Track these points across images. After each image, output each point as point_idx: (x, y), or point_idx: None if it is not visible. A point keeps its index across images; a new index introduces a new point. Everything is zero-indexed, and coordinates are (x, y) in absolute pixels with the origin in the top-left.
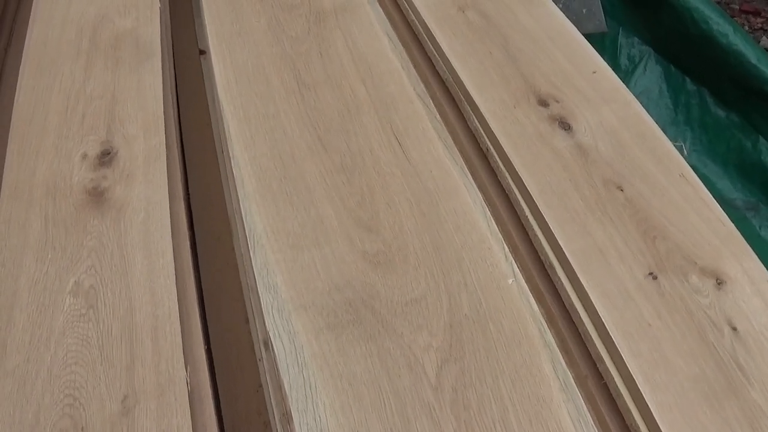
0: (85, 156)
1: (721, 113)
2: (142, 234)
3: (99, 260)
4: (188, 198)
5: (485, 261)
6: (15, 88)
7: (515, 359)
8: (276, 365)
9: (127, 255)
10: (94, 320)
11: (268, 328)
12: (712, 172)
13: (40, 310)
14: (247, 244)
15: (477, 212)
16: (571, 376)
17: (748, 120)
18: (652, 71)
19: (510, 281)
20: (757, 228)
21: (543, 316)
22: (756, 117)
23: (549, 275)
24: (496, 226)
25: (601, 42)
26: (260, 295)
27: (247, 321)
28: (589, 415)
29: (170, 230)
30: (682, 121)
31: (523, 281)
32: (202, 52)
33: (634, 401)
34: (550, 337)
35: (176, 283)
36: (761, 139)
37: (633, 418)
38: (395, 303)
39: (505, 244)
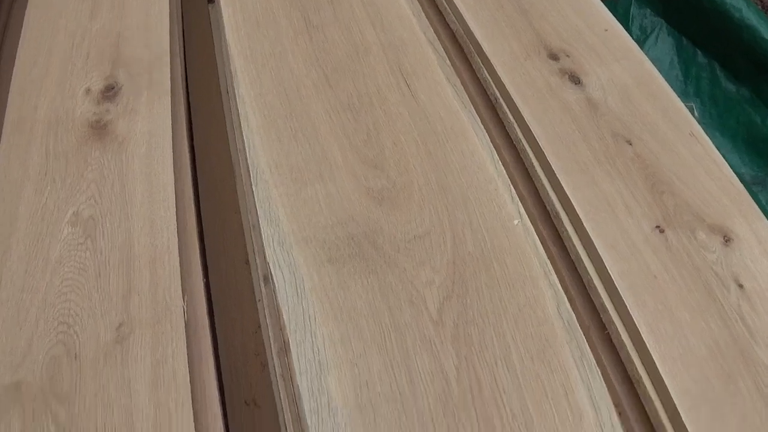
0: (88, 91)
1: (731, 87)
2: (143, 167)
3: (99, 191)
4: (191, 135)
5: (491, 201)
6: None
7: (518, 298)
8: (275, 297)
9: (127, 186)
10: (92, 250)
11: (268, 260)
12: (721, 145)
13: (38, 240)
14: (250, 179)
15: (485, 154)
16: (574, 317)
17: (759, 95)
18: (663, 42)
19: (516, 222)
20: (764, 203)
21: (548, 258)
22: (766, 92)
23: (555, 225)
24: (503, 168)
25: (613, 11)
26: (261, 227)
27: (246, 262)
28: (591, 355)
29: (172, 164)
30: (691, 93)
31: (529, 223)
32: (211, 1)
33: (637, 352)
34: (554, 278)
35: (176, 216)
36: None
37: (635, 369)
38: (398, 239)
39: (511, 186)
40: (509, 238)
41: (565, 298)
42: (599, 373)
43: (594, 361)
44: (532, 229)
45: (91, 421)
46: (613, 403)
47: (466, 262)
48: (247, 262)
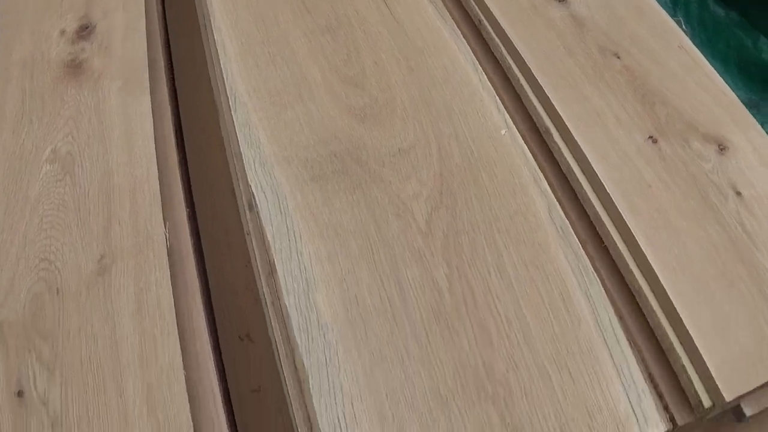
0: (63, 32)
1: (720, 12)
2: (120, 100)
3: (76, 128)
4: (171, 67)
5: (476, 112)
6: None
7: (509, 206)
8: (259, 218)
9: (105, 121)
10: (71, 185)
11: (250, 182)
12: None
13: (16, 180)
14: (229, 107)
15: (468, 67)
16: (568, 223)
17: (748, 18)
18: None
19: (503, 132)
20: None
21: (538, 166)
22: (756, 15)
23: (545, 141)
24: (487, 80)
25: None
26: (242, 151)
27: (233, 193)
28: (587, 260)
29: (149, 96)
30: (682, 20)
31: (517, 132)
32: None
33: (635, 262)
34: (545, 185)
35: (156, 147)
36: (762, 38)
37: (635, 279)
38: (382, 154)
39: (497, 97)
40: (497, 148)
41: (557, 204)
42: (596, 277)
43: (590, 266)
44: (520, 139)
45: (75, 355)
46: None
47: (453, 173)
48: (235, 196)
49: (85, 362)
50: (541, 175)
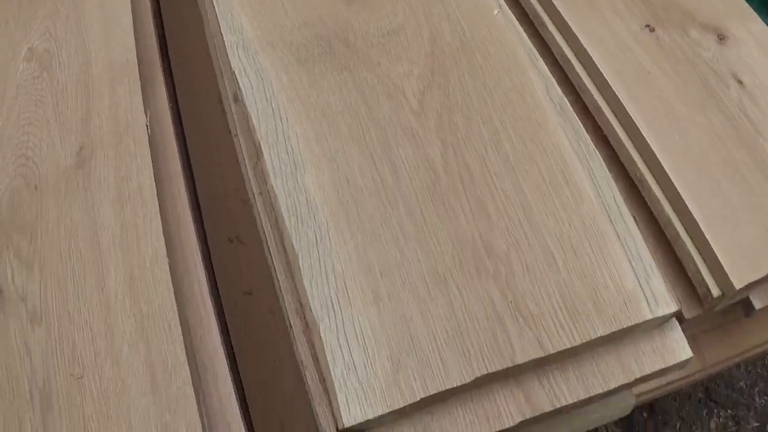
0: None
1: None
2: None
3: (54, 25)
4: None
5: None
6: None
7: (504, 84)
8: (244, 104)
9: (83, 18)
10: (48, 80)
11: (234, 68)
12: None
13: None
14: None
15: None
16: (566, 101)
17: None
18: None
19: (495, 12)
20: None
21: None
22: None
23: (538, 32)
24: None
25: None
26: (224, 38)
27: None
28: (588, 137)
29: None
30: None
31: (510, 13)
32: None
33: (637, 150)
34: (542, 64)
35: (134, 33)
36: None
37: (637, 168)
38: (371, 35)
39: None
40: (490, 28)
41: (555, 82)
42: (597, 154)
43: (591, 143)
44: (514, 19)
45: (54, 249)
46: None
47: (445, 52)
48: (220, 100)
49: (64, 255)
50: (537, 54)
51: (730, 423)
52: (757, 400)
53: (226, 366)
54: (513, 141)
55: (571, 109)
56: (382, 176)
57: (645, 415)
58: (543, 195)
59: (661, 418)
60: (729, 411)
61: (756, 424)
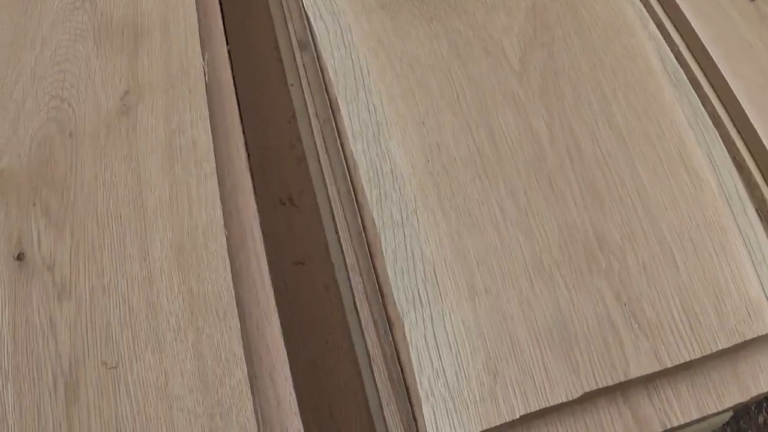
0: None
1: None
2: None
3: None
4: None
5: None
6: None
7: (614, 48)
8: (317, 52)
9: None
10: (91, 12)
11: (306, 9)
12: None
13: (26, 6)
14: None
15: None
16: (682, 72)
17: None
18: None
19: None
20: None
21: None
22: None
23: None
24: None
25: None
26: None
27: (276, 47)
28: (707, 116)
29: None
30: None
31: None
32: None
33: (738, 131)
34: (653, 27)
35: None
36: None
37: (738, 150)
38: None
39: None
40: None
41: (668, 49)
42: (718, 135)
43: (711, 123)
44: None
45: (90, 209)
46: None
47: (547, 6)
48: (277, 47)
49: (101, 218)
50: (647, 15)
51: None
52: None
53: (286, 360)
54: (626, 114)
55: (687, 81)
56: (479, 146)
57: None
58: (660, 180)
59: None
60: None
61: None
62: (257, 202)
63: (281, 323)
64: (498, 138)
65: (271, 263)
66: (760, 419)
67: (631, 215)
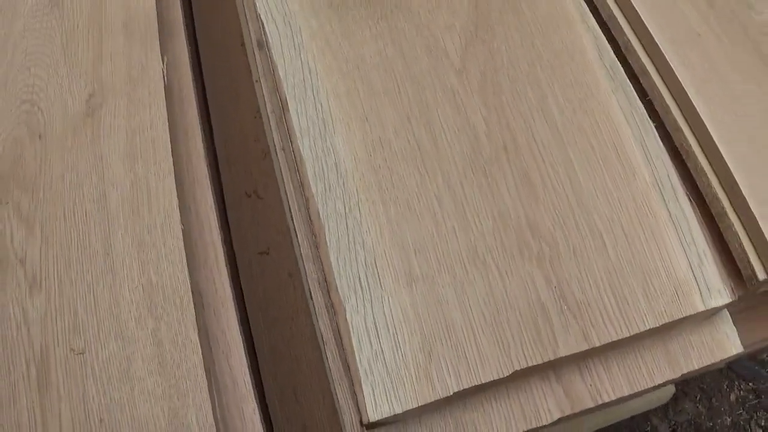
0: None
1: None
2: None
3: None
4: None
5: None
6: None
7: (554, 43)
8: (270, 53)
9: None
10: (59, 18)
11: (259, 11)
12: None
13: None
14: None
15: None
16: (619, 65)
17: None
18: None
19: None
20: None
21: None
22: None
23: None
24: None
25: None
26: None
27: (242, 44)
28: (643, 107)
29: None
30: None
31: None
32: None
33: (685, 118)
34: (593, 21)
35: None
36: None
37: (684, 137)
38: None
39: None
40: None
41: (606, 42)
42: (652, 126)
43: (646, 114)
44: None
45: (58, 207)
46: None
47: (490, 3)
48: (243, 44)
49: (68, 215)
50: (586, 9)
51: (750, 396)
52: None
53: (242, 345)
54: (562, 108)
55: (624, 73)
56: (419, 140)
57: None
58: (593, 170)
59: (681, 388)
60: (750, 384)
61: None
62: (224, 195)
63: (248, 310)
64: (437, 132)
65: (237, 253)
66: (732, 397)
67: (563, 203)
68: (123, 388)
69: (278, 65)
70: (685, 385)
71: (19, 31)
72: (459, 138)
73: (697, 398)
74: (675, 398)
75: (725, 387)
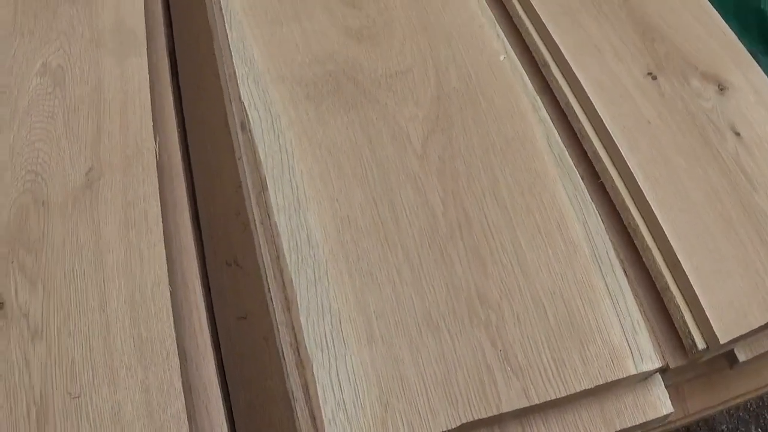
0: None
1: None
2: (113, 15)
3: (68, 41)
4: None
5: (476, 38)
6: None
7: (506, 132)
8: (251, 136)
9: (97, 36)
10: (61, 97)
11: (243, 99)
12: None
13: (5, 93)
14: (224, 23)
15: None
16: (566, 152)
17: None
18: None
19: (502, 58)
20: None
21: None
22: None
23: (543, 75)
24: (487, 6)
25: None
26: (236, 68)
27: (227, 123)
28: (586, 190)
29: (143, 11)
30: None
31: (516, 59)
32: None
33: (633, 199)
34: (544, 113)
35: (149, 63)
36: None
37: (632, 216)
38: (379, 75)
39: (497, 24)
40: (495, 74)
41: (555, 132)
42: (594, 208)
43: (588, 197)
44: (519, 65)
45: (59, 267)
46: None
47: (450, 97)
48: (227, 123)
49: (68, 274)
50: (540, 102)
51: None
52: None
53: (220, 397)
54: (512, 191)
55: (570, 160)
56: (382, 218)
57: None
58: (538, 246)
59: None
60: None
61: None
62: (207, 263)
63: (225, 369)
64: (398, 211)
65: (218, 316)
66: None
67: (510, 276)
68: (115, 428)
69: (259, 147)
70: None
71: (24, 108)
72: (418, 216)
73: None
74: None
75: None
